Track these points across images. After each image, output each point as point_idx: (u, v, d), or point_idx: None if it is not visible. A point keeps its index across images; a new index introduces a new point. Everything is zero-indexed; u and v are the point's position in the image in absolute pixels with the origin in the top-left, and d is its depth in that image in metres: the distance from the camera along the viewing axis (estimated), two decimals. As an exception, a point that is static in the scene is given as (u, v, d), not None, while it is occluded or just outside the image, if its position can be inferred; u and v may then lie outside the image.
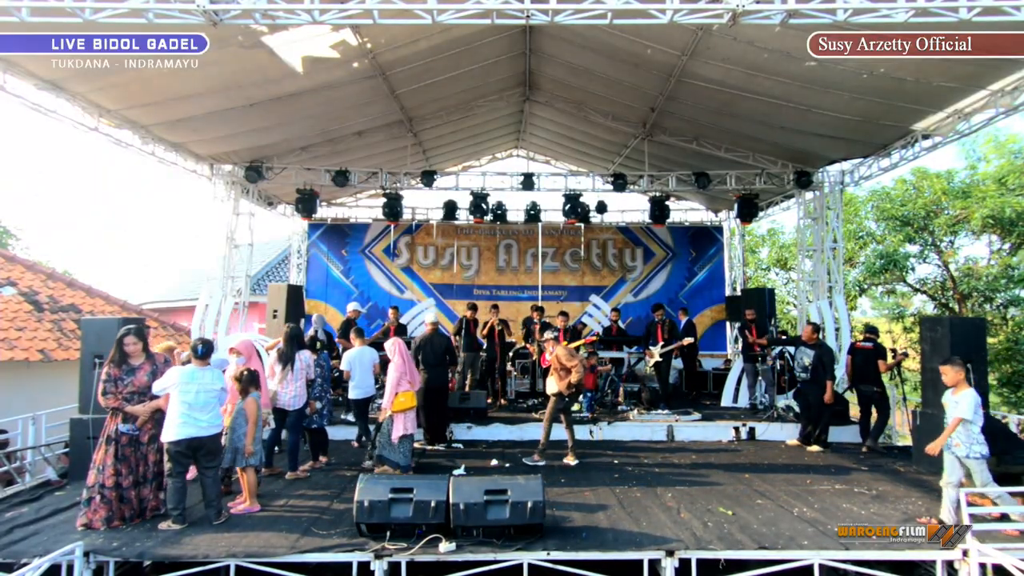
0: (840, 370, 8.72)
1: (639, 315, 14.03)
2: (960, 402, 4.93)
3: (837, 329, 10.23)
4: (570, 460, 7.11)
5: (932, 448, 5.10)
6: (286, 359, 6.46)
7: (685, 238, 14.63)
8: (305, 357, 6.63)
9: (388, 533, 4.64)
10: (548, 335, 7.54)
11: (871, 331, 8.12)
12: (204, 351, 5.20)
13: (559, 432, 8.27)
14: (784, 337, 10.14)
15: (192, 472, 5.39)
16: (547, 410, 7.29)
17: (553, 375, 7.15)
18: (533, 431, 8.37)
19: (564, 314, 9.85)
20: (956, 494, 4.88)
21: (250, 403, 5.47)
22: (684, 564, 4.48)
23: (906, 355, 7.93)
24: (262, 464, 5.82)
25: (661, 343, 9.63)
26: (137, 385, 5.18)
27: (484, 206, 12.03)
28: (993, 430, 5.18)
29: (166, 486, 5.24)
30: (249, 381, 5.59)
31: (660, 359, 9.65)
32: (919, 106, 8.00)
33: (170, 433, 4.97)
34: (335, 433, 8.21)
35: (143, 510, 5.20)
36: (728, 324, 14.09)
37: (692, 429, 8.54)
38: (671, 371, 10.25)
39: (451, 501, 4.72)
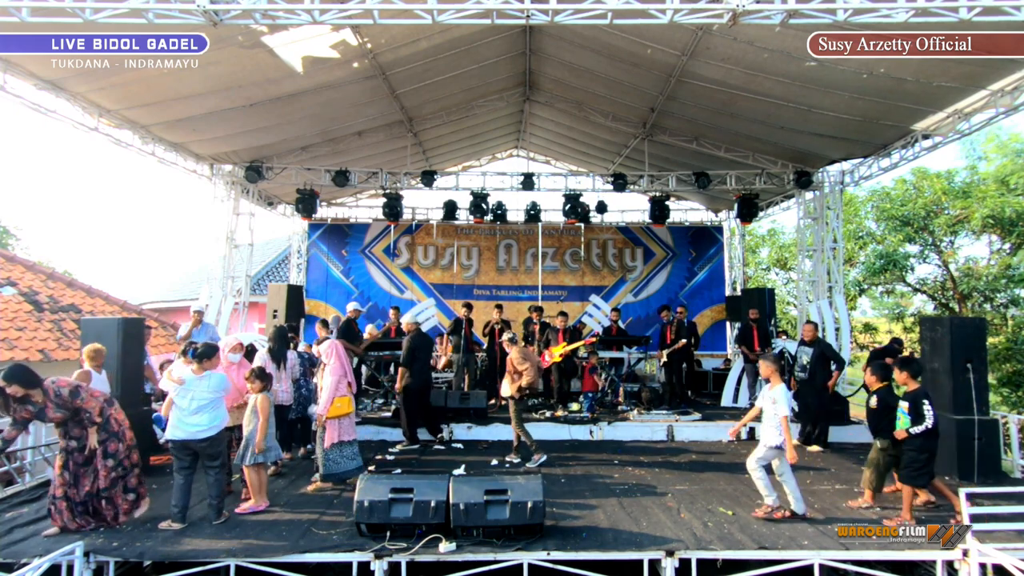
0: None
1: (639, 315, 14.05)
2: (777, 398, 5.24)
3: (837, 329, 10.22)
4: (512, 458, 7.22)
5: (732, 432, 5.67)
6: (279, 357, 6.50)
7: (685, 238, 14.63)
8: (292, 356, 6.70)
9: (388, 533, 4.64)
10: (505, 337, 7.48)
11: (896, 342, 8.29)
12: (195, 354, 5.22)
13: (554, 433, 8.32)
14: (789, 347, 9.90)
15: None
16: (511, 415, 7.21)
17: (507, 378, 7.14)
18: (533, 431, 8.31)
19: (564, 314, 9.84)
20: (762, 473, 5.29)
21: (263, 400, 5.45)
22: (684, 564, 4.48)
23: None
24: (278, 460, 5.83)
25: (670, 343, 9.70)
26: (54, 419, 4.89)
27: (484, 206, 12.04)
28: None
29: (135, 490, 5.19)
30: (267, 379, 5.60)
31: (665, 359, 9.65)
32: (919, 106, 8.00)
33: (167, 432, 5.09)
34: (335, 433, 8.22)
35: (111, 518, 5.01)
36: (728, 324, 14.09)
37: (692, 429, 8.54)
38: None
39: (451, 501, 4.71)
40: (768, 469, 5.33)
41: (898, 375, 5.49)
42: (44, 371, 9.57)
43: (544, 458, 6.99)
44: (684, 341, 9.84)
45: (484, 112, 11.44)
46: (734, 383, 10.21)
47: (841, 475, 6.66)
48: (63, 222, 54.81)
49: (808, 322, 8.66)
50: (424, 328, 11.44)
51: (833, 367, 7.81)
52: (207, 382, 5.13)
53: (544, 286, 14.26)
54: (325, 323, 8.25)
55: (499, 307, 10.40)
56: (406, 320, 8.24)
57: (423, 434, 8.09)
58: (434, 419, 8.15)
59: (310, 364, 7.25)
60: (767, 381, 5.47)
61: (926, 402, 5.19)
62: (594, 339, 10.09)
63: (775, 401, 5.25)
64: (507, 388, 7.11)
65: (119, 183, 71.10)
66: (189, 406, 5.01)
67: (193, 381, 5.08)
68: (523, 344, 10.96)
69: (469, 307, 10.16)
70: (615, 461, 7.25)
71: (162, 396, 6.99)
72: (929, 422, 5.12)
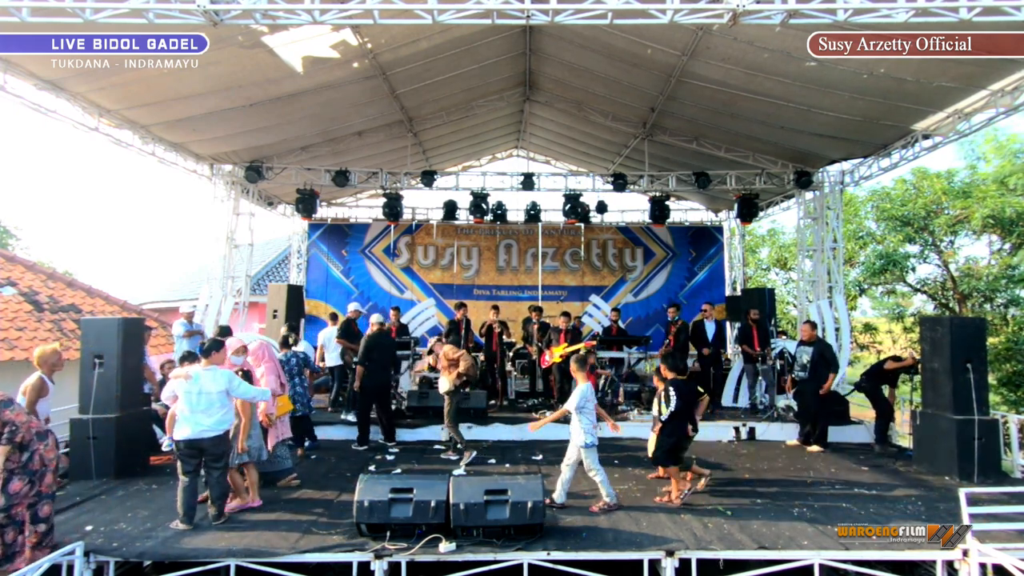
0: (841, 370, 8.73)
1: (639, 315, 14.05)
2: (575, 397, 5.50)
3: (837, 329, 10.22)
4: (451, 455, 7.20)
5: (532, 427, 5.97)
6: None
7: (685, 238, 14.63)
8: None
9: (388, 533, 4.64)
10: (432, 341, 7.47)
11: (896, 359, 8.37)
12: (204, 350, 5.20)
13: (555, 433, 8.30)
14: (789, 347, 9.83)
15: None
16: (446, 412, 7.19)
17: (444, 373, 7.12)
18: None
19: (566, 314, 9.83)
20: (570, 474, 5.53)
21: (243, 401, 5.40)
22: (684, 564, 4.48)
23: (914, 367, 7.91)
24: (259, 460, 5.75)
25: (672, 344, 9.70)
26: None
27: (484, 206, 12.03)
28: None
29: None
30: (248, 380, 5.58)
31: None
32: (919, 106, 8.00)
33: (174, 433, 5.03)
34: (335, 433, 8.24)
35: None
36: (728, 324, 14.08)
37: (692, 429, 8.52)
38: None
39: (451, 501, 4.72)
40: (579, 466, 5.55)
41: (661, 368, 6.03)
42: (44, 371, 9.52)
43: (471, 457, 7.02)
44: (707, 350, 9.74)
45: (484, 112, 11.44)
46: (734, 383, 10.21)
47: (841, 475, 6.66)
48: (63, 222, 54.86)
49: (806, 322, 8.65)
50: (424, 328, 11.53)
51: (830, 371, 7.79)
52: (210, 375, 5.09)
53: (544, 286, 14.26)
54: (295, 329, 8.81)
55: (496, 308, 10.39)
56: (373, 320, 8.15)
57: (428, 435, 8.06)
58: (390, 422, 8.02)
59: (304, 364, 7.42)
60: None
61: (672, 389, 5.64)
62: (593, 341, 10.05)
63: (573, 399, 5.52)
64: (445, 383, 7.11)
65: (119, 183, 71.13)
66: (197, 402, 4.97)
67: (200, 375, 5.05)
68: (523, 344, 11.05)
69: (463, 307, 10.14)
70: (615, 461, 7.25)
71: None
72: (672, 407, 5.61)
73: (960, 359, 6.59)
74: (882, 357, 8.88)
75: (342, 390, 9.31)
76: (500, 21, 5.60)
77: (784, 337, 11.14)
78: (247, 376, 5.66)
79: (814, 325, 8.28)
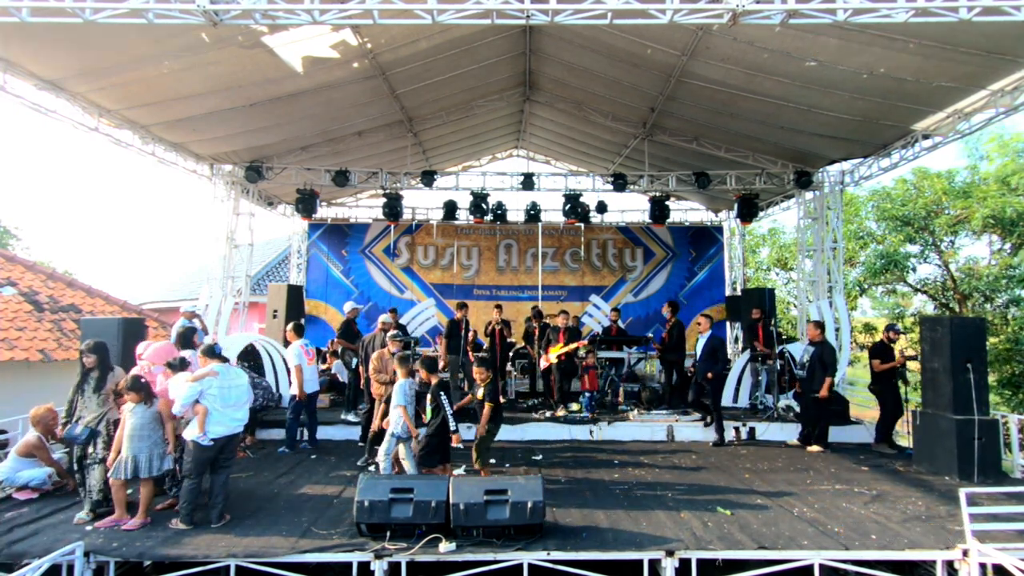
0: (841, 370, 8.69)
1: (639, 315, 14.05)
2: (395, 391, 5.79)
3: (837, 329, 10.21)
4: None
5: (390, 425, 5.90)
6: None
7: (685, 238, 14.64)
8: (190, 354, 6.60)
9: (388, 533, 4.64)
10: (390, 334, 7.25)
11: (890, 328, 8.27)
12: (222, 352, 5.29)
13: (556, 433, 8.33)
14: (789, 347, 9.81)
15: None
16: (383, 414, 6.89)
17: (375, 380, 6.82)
18: (533, 431, 8.40)
19: (564, 312, 9.82)
20: (387, 464, 5.76)
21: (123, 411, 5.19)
22: (684, 564, 4.48)
23: (914, 357, 7.87)
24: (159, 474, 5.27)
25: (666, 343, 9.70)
26: None
27: (484, 206, 12.03)
28: None
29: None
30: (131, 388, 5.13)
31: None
32: (919, 106, 8.00)
33: (208, 430, 4.95)
34: (335, 433, 8.24)
35: None
36: (728, 324, 14.09)
37: (692, 429, 8.54)
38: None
39: (451, 501, 4.72)
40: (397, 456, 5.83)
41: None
42: (44, 371, 9.58)
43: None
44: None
45: (484, 112, 11.44)
46: (734, 383, 10.20)
47: (841, 475, 6.66)
48: (63, 222, 54.90)
49: (813, 322, 8.58)
50: (424, 329, 11.54)
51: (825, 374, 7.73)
52: (234, 370, 5.22)
53: (544, 286, 14.26)
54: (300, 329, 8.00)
55: (499, 307, 10.38)
56: (380, 319, 8.14)
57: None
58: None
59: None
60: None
61: (442, 394, 5.85)
62: (586, 342, 9.92)
63: (393, 394, 5.79)
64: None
65: (119, 183, 71.18)
66: (229, 396, 5.05)
67: (224, 370, 5.13)
68: (523, 344, 11.05)
69: (464, 307, 10.10)
70: (615, 461, 7.25)
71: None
72: (447, 412, 5.80)
73: (960, 359, 6.60)
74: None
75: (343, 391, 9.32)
76: (500, 21, 5.59)
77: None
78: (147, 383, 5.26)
79: (819, 325, 8.19)
